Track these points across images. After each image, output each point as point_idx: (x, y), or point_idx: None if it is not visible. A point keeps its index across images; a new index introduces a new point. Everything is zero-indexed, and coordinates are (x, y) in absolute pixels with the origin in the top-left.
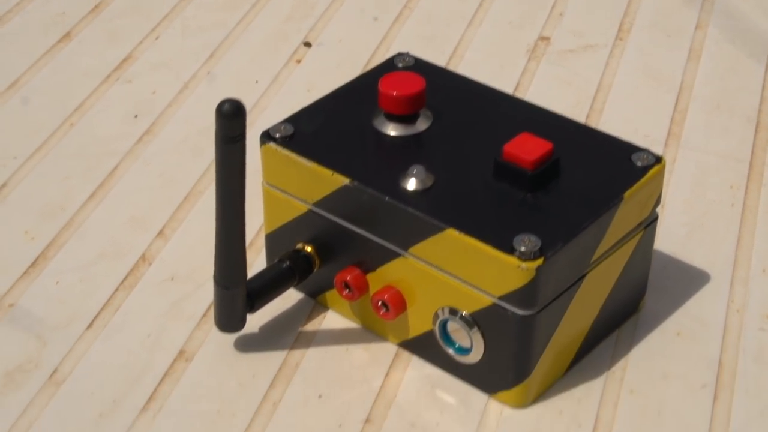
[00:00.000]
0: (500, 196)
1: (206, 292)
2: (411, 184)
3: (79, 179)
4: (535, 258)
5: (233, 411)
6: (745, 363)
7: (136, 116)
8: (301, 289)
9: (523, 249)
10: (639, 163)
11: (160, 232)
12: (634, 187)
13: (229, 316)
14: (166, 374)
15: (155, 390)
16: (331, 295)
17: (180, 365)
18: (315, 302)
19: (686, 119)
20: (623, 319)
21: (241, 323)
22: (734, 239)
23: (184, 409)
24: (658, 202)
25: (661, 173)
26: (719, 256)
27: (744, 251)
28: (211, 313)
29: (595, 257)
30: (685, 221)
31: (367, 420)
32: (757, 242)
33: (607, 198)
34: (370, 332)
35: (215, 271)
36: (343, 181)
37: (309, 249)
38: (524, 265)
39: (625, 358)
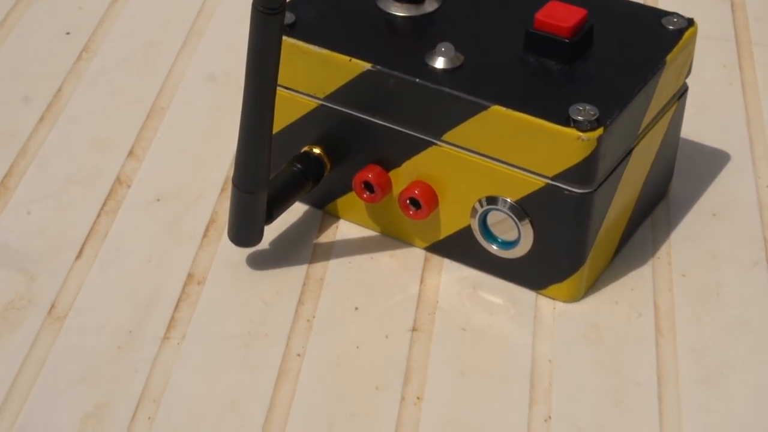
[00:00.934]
0: (538, 69)
1: (200, 211)
2: (440, 63)
3: (23, 102)
4: (594, 128)
5: (265, 331)
6: None
7: (68, 33)
8: (305, 201)
9: (580, 119)
10: (671, 27)
11: (131, 153)
12: (674, 50)
13: (248, 228)
14: (179, 299)
15: (172, 317)
16: (343, 202)
17: (193, 289)
18: (323, 213)
19: (659, 4)
20: (655, 203)
21: (260, 235)
22: (743, 117)
23: (211, 334)
24: (689, 72)
25: (694, 36)
26: (733, 135)
27: (756, 129)
28: (213, 233)
29: (641, 129)
30: (689, 104)
31: (414, 328)
32: (766, 119)
33: (651, 63)
34: (391, 239)
35: (236, 174)
36: (363, 66)
37: (317, 151)
38: (585, 135)
39: (667, 243)
